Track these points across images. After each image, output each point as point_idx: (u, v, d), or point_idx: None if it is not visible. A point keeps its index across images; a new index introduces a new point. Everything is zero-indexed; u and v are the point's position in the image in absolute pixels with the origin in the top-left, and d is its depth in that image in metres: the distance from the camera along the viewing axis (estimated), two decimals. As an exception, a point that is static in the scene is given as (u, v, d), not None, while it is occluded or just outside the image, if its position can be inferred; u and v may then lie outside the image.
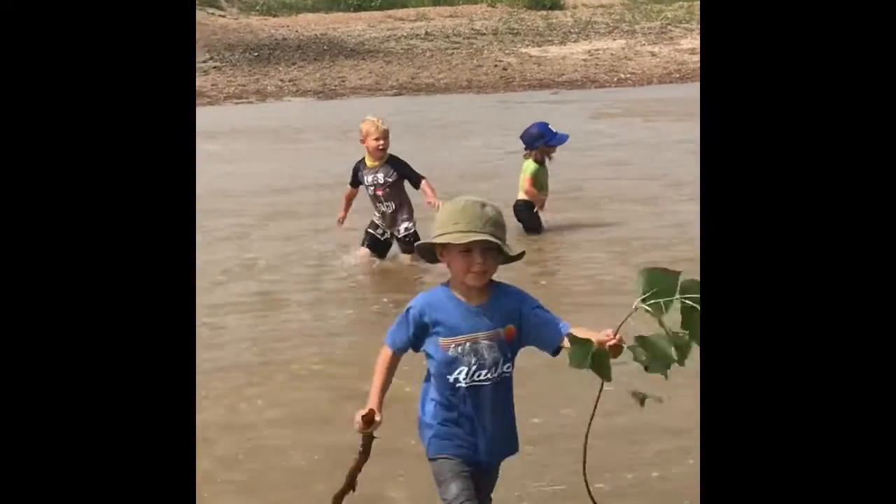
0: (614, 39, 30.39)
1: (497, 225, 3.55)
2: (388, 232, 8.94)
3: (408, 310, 3.67)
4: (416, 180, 8.82)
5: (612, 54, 27.77)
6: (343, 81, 24.75)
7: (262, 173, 13.94)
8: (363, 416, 3.60)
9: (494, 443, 3.71)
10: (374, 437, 3.67)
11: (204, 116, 20.16)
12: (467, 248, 3.52)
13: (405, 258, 8.86)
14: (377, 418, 3.63)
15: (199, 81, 24.72)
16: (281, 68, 26.80)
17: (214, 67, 27.11)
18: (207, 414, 5.66)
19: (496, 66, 26.41)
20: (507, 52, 28.77)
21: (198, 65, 27.34)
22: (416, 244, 3.82)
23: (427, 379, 3.77)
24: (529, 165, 9.81)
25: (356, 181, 9.00)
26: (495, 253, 3.56)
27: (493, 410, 3.67)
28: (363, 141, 8.82)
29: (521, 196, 9.84)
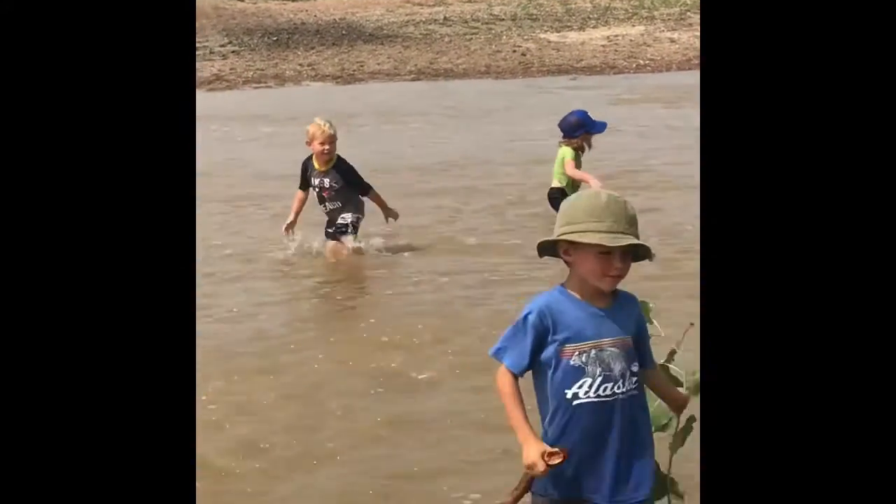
0: (633, 25, 30.27)
1: (636, 224, 3.20)
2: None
3: (525, 316, 3.20)
4: (363, 190, 8.73)
5: (630, 40, 27.64)
6: (361, 66, 24.71)
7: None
8: (553, 455, 3.08)
9: (621, 478, 3.18)
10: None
11: (223, 100, 20.26)
12: (607, 251, 3.14)
13: (328, 245, 8.73)
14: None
15: (218, 65, 24.76)
16: (299, 53, 26.79)
17: (233, 52, 27.12)
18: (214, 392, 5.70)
19: (515, 51, 26.32)
20: (525, 37, 28.68)
21: (217, 49, 27.38)
22: (540, 241, 3.31)
23: (540, 399, 3.28)
24: (567, 152, 9.75)
25: (306, 183, 8.85)
26: (630, 255, 3.20)
27: (621, 436, 3.17)
28: (309, 144, 8.72)
29: (556, 184, 9.80)
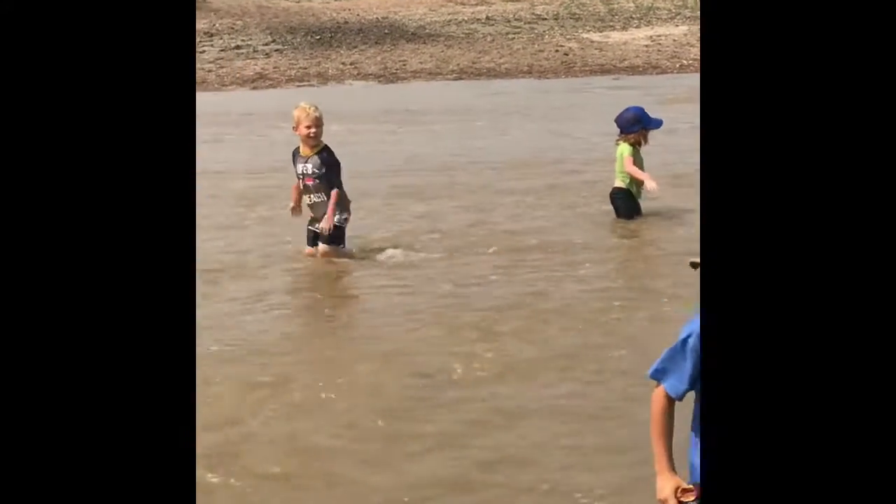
0: (676, 25, 30.14)
1: None
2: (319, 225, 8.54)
3: (684, 340, 3.01)
4: (333, 185, 8.45)
5: (674, 40, 27.52)
6: (404, 65, 24.77)
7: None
8: (686, 492, 2.97)
9: None
10: None
11: (268, 99, 20.37)
12: None
13: (322, 249, 8.52)
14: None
15: (262, 64, 24.90)
16: (342, 52, 26.87)
17: (276, 50, 27.25)
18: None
19: (557, 51, 26.28)
20: (568, 37, 28.62)
21: (260, 47, 27.53)
22: (691, 261, 3.09)
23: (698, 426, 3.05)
24: (625, 148, 9.67)
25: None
26: None
27: None
28: (295, 129, 8.54)
29: (619, 184, 9.70)
